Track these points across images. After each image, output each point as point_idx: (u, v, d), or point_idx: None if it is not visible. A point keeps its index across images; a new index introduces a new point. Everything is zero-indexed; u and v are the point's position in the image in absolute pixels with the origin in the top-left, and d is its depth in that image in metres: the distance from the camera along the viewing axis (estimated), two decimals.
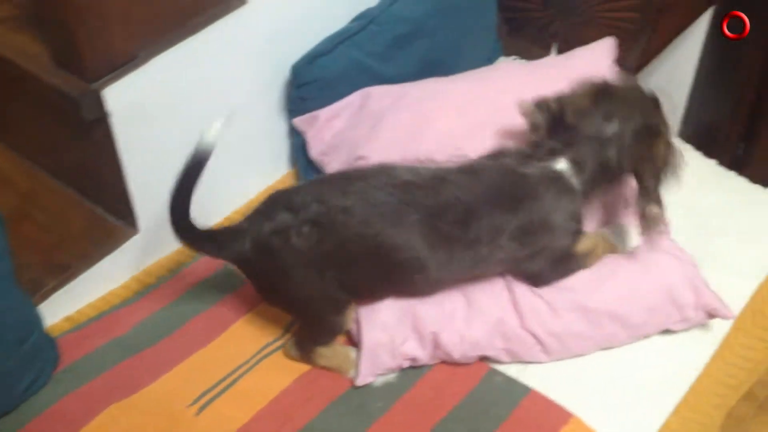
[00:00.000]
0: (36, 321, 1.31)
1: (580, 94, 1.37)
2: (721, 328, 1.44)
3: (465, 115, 1.56)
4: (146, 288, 1.50)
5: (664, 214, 1.36)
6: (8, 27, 1.46)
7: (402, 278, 1.34)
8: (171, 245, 1.55)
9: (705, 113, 2.42)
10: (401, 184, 1.31)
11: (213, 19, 1.48)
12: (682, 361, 1.40)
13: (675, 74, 2.39)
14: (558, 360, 1.40)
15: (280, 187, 1.40)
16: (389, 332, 1.35)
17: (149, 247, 1.53)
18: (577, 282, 1.39)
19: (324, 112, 1.65)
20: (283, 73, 1.65)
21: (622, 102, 1.36)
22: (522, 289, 1.39)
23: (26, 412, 1.28)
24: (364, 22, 1.69)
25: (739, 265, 1.44)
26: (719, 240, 1.46)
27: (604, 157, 1.34)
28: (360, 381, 1.34)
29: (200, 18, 1.46)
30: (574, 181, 1.35)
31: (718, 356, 1.42)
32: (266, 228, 1.29)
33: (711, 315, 1.41)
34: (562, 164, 1.35)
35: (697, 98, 2.42)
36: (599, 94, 1.36)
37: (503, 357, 1.39)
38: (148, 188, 1.47)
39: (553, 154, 1.35)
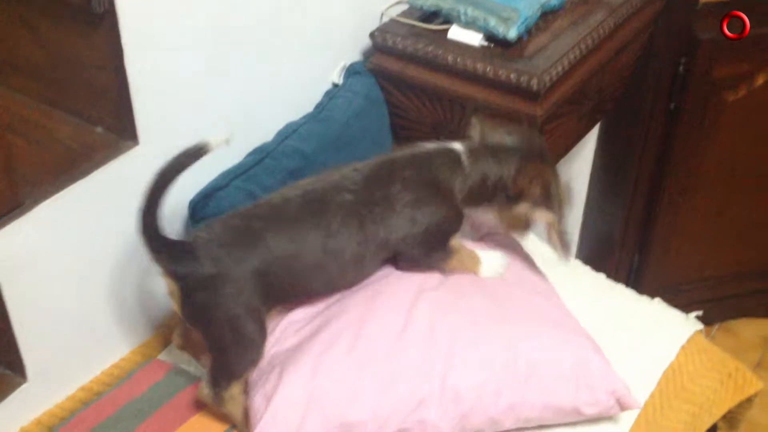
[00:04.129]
0: None
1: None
2: None
3: None
4: None
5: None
6: None
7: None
8: (62, 392, 1.51)
9: (600, 227, 2.52)
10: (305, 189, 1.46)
11: (104, 162, 1.49)
12: None
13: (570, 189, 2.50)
14: None
15: None
16: (295, 411, 1.35)
17: (39, 396, 1.48)
18: (497, 335, 1.44)
19: None
20: (181, 211, 1.67)
21: (521, 132, 1.55)
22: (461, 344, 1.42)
23: None
24: (258, 156, 1.72)
25: (629, 377, 1.47)
26: (609, 353, 1.50)
27: (489, 169, 1.49)
28: None
29: (90, 162, 1.47)
30: (465, 163, 1.49)
31: None
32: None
33: (620, 402, 1.44)
34: (458, 146, 1.51)
35: (590, 213, 2.53)
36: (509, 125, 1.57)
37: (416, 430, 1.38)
38: (36, 335, 1.44)
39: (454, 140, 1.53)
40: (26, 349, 1.44)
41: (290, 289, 1.45)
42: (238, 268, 1.36)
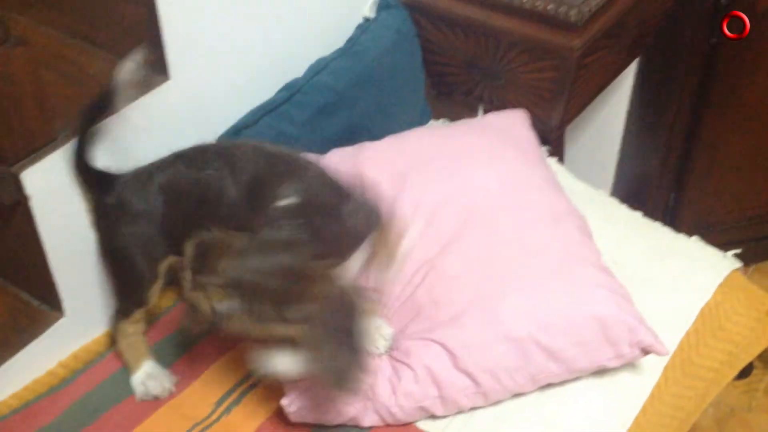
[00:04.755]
0: None
1: None
2: (650, 377, 1.45)
3: (389, 166, 1.61)
4: (73, 374, 1.46)
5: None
6: None
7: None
8: (98, 328, 1.53)
9: (636, 165, 2.48)
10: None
11: (135, 96, 1.48)
12: (611, 413, 1.40)
13: (605, 129, 2.45)
14: (495, 404, 1.39)
15: None
16: None
17: (75, 330, 1.50)
18: (504, 312, 1.39)
19: None
20: None
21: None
22: (449, 331, 1.38)
23: None
24: (288, 93, 1.71)
25: (664, 316, 1.45)
26: (644, 291, 1.48)
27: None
28: (294, 418, 1.33)
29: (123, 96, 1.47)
30: None
31: (648, 407, 1.42)
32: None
33: (646, 351, 1.40)
34: None
35: (627, 151, 2.48)
36: None
37: (438, 407, 1.37)
38: (72, 270, 1.45)
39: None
40: (62, 284, 1.45)
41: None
42: (139, 205, 1.38)
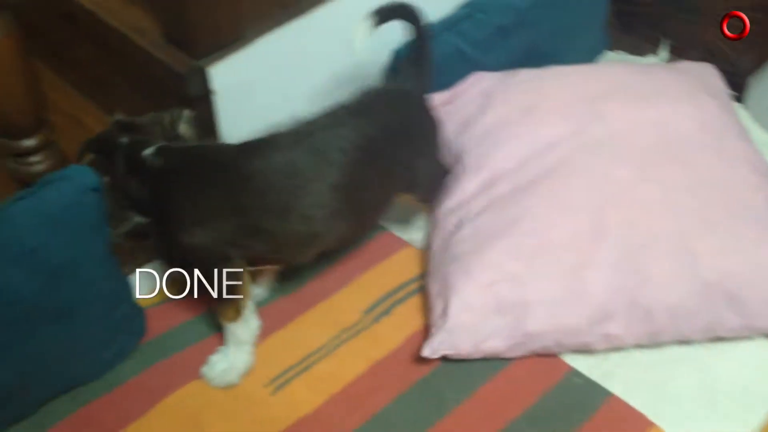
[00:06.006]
0: (126, 292, 1.36)
1: None
2: None
3: (580, 90, 1.56)
4: None
5: None
6: (121, 1, 1.51)
7: None
8: None
9: None
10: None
11: (319, 2, 1.50)
12: None
13: None
14: (656, 346, 1.36)
15: None
16: (476, 317, 1.33)
17: None
18: (698, 250, 1.33)
19: (436, 96, 1.62)
20: (380, 58, 1.65)
21: None
22: (653, 252, 1.33)
23: (111, 381, 1.33)
24: (469, 9, 1.67)
25: None
26: None
27: None
28: (426, 353, 1.33)
29: (306, 1, 1.49)
30: None
31: None
32: None
33: None
34: None
35: None
36: None
37: (600, 342, 1.34)
38: None
39: None
40: None
41: None
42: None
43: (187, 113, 1.32)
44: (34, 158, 1.28)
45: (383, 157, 1.34)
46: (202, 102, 1.41)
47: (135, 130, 1.28)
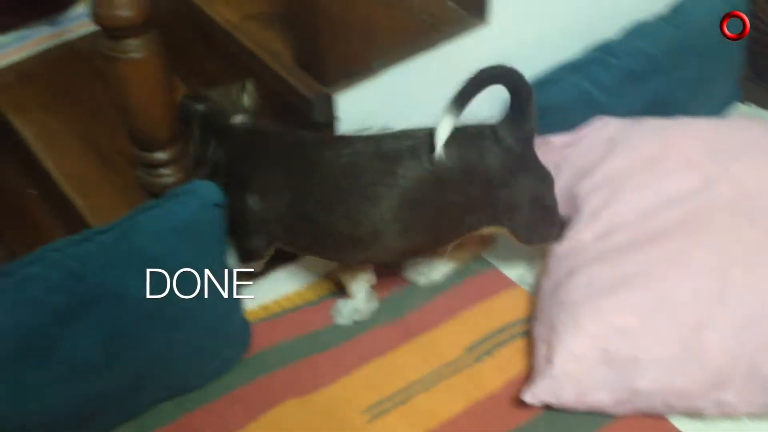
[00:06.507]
0: (236, 305, 1.38)
1: None
2: None
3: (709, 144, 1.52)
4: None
5: None
6: (258, 23, 1.55)
7: None
8: None
9: None
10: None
11: (451, 37, 1.50)
12: None
13: None
14: None
15: None
16: (582, 367, 1.30)
17: None
18: None
19: (558, 138, 1.61)
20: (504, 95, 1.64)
21: None
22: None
23: (213, 392, 1.35)
24: (601, 53, 1.65)
25: None
26: None
27: None
28: (528, 398, 1.31)
29: (438, 35, 1.50)
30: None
31: None
32: None
33: None
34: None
35: None
36: None
37: (712, 409, 1.29)
38: None
39: None
40: None
41: None
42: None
43: (250, 87, 1.42)
44: (164, 170, 1.32)
45: (450, 186, 1.31)
46: (324, 128, 1.44)
47: (208, 101, 1.41)
